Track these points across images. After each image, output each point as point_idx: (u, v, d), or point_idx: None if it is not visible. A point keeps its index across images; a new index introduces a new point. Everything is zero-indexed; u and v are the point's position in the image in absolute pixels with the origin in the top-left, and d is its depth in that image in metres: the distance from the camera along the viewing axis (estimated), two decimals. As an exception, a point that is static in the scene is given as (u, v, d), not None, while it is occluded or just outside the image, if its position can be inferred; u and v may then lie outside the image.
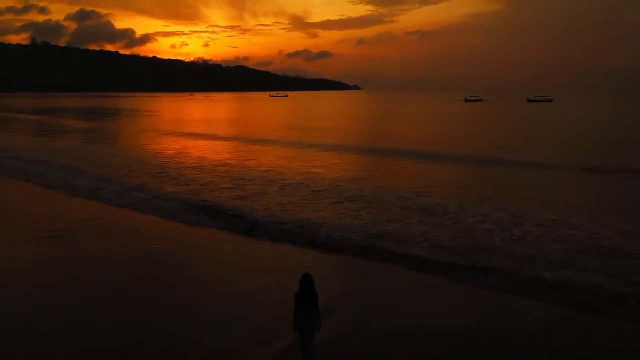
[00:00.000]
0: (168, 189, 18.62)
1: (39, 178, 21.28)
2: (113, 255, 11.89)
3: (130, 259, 11.70)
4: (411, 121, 63.88)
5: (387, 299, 9.56)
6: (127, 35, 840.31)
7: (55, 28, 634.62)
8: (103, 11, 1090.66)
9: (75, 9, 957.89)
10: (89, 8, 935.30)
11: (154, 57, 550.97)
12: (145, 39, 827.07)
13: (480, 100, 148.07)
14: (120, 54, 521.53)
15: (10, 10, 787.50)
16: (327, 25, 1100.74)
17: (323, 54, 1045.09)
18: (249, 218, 14.34)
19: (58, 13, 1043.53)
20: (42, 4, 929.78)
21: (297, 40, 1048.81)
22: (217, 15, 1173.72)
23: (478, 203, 16.00)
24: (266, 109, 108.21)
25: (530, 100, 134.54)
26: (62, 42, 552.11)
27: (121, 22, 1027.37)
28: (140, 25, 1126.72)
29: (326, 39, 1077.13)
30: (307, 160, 25.92)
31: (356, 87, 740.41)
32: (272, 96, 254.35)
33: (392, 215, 14.79)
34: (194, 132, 43.04)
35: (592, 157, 27.11)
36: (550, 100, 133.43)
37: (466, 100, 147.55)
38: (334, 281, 10.10)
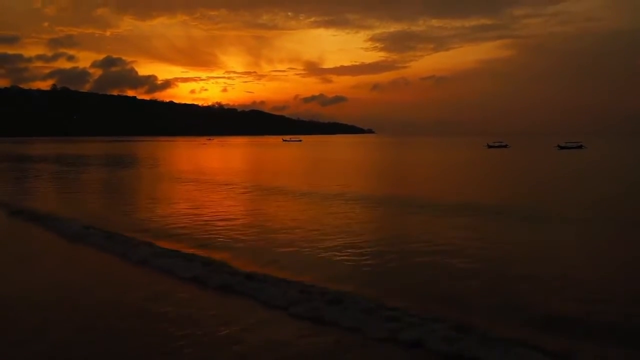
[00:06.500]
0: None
1: None
2: None
3: None
4: (441, 180, 54.98)
5: None
6: (149, 82, 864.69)
7: (81, 75, 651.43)
8: (128, 58, 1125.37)
9: (102, 56, 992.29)
10: (115, 55, 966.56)
11: (171, 102, 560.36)
12: (166, 84, 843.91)
13: (506, 146, 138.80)
14: (137, 99, 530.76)
15: (41, 58, 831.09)
16: (341, 71, 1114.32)
17: (338, 99, 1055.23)
18: None
19: (85, 60, 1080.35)
20: (70, 52, 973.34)
21: (311, 85, 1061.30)
22: (234, 62, 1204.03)
23: None
24: (277, 162, 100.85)
25: (561, 147, 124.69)
26: (86, 89, 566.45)
27: (144, 68, 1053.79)
28: (162, 71, 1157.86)
29: (341, 84, 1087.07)
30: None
31: (370, 131, 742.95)
32: (286, 141, 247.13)
33: None
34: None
35: None
36: (581, 147, 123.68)
37: (489, 147, 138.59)
38: None
